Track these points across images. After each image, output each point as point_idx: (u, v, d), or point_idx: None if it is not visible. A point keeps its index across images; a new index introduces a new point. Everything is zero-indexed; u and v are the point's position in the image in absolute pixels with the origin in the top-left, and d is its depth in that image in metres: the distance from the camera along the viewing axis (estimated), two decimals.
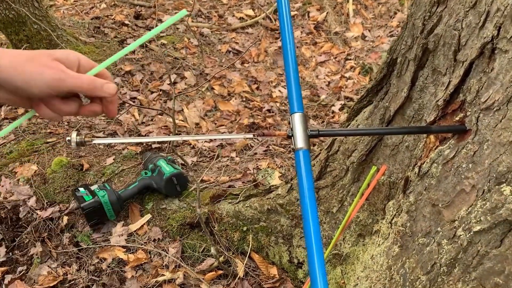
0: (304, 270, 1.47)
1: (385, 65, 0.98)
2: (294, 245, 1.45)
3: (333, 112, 2.35)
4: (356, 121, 1.13)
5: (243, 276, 1.53)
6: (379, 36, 3.23)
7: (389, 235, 1.01)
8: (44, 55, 0.55)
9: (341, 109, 2.37)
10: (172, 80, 2.52)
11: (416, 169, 0.87)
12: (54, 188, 1.84)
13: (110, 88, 0.60)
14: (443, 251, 0.74)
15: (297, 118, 0.70)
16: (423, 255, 0.80)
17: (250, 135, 0.70)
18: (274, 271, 1.53)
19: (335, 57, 2.95)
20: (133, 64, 2.61)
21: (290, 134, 0.69)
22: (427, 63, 0.85)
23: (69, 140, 0.63)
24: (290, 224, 1.42)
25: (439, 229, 0.77)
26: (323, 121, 2.29)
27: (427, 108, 0.87)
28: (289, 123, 0.71)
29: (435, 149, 0.81)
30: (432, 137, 0.83)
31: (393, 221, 0.99)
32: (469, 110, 0.71)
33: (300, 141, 0.68)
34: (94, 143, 0.61)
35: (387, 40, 3.14)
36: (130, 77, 2.53)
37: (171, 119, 2.21)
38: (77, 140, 0.63)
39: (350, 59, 2.88)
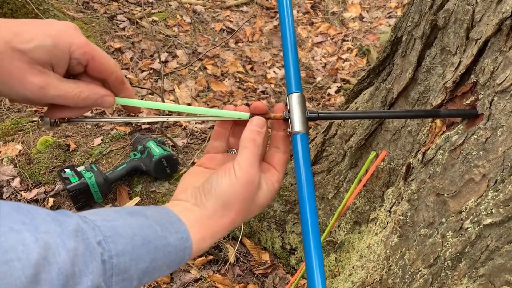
0: (296, 257, 1.43)
1: (389, 44, 0.92)
2: (287, 230, 1.41)
3: (329, 94, 2.29)
4: (356, 103, 1.07)
5: (234, 262, 1.49)
6: (377, 17, 3.14)
7: (387, 224, 0.97)
8: (13, 59, 0.42)
9: (337, 91, 2.30)
10: (164, 58, 2.44)
11: (420, 156, 0.81)
12: (40, 168, 1.77)
13: (104, 103, 0.51)
14: (447, 244, 0.69)
15: (294, 99, 0.64)
16: (425, 247, 0.76)
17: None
18: (266, 257, 1.49)
19: (332, 38, 2.87)
20: (123, 42, 2.51)
21: (287, 116, 0.63)
22: (435, 41, 0.79)
23: (41, 118, 0.56)
24: (283, 209, 1.37)
25: (443, 220, 0.72)
26: (318, 104, 2.23)
27: (434, 90, 0.81)
28: (286, 105, 0.65)
29: (441, 134, 0.76)
30: (438, 121, 0.78)
31: (392, 210, 0.94)
32: (482, 93, 0.65)
33: (297, 124, 0.62)
34: (68, 122, 0.55)
35: (385, 21, 3.06)
36: (120, 55, 2.43)
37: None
38: (51, 120, 0.56)
39: (347, 40, 2.80)
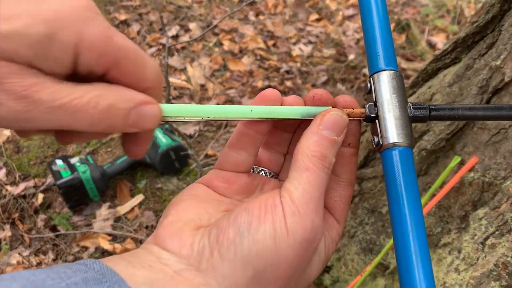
0: (332, 276, 1.17)
1: (497, 0, 0.61)
2: None
3: (364, 75, 1.98)
4: (430, 88, 0.78)
5: None
6: None
7: (478, 260, 0.68)
8: None
9: None
10: (175, 32, 2.15)
11: None
12: (29, 158, 1.53)
13: (145, 118, 0.28)
14: None
15: (386, 81, 0.35)
16: None
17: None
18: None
19: None
20: (130, 13, 2.22)
21: (373, 114, 0.35)
22: None
23: None
24: None
25: None
26: (352, 86, 1.93)
27: None
28: (369, 92, 0.36)
29: None
30: None
31: (489, 243, 0.66)
32: None
33: (394, 130, 0.34)
34: None
35: None
36: (126, 27, 2.15)
37: (171, 79, 1.86)
38: None
39: None
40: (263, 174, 0.38)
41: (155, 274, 0.26)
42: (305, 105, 0.35)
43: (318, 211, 0.29)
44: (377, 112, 0.35)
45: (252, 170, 0.38)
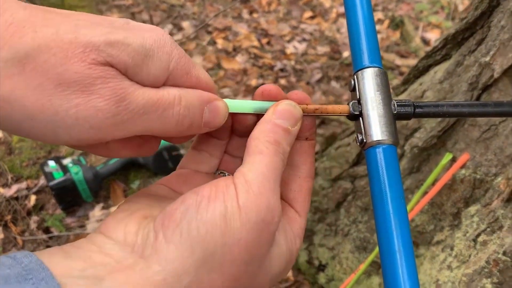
0: (327, 275, 1.16)
1: None
2: (315, 243, 1.14)
3: None
4: (421, 85, 0.77)
5: None
6: None
7: (470, 257, 0.68)
8: (83, 57, 0.25)
9: None
10: (168, 31, 2.13)
11: None
12: (21, 160, 1.52)
13: (217, 113, 0.31)
14: None
15: (370, 78, 0.35)
16: None
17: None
18: (288, 272, 1.23)
19: None
20: (122, 12, 2.21)
21: (357, 112, 0.34)
22: None
23: None
24: (311, 218, 1.09)
25: None
26: (346, 84, 1.92)
27: None
28: (353, 89, 0.36)
29: None
30: None
31: (480, 240, 0.66)
32: None
33: (378, 128, 0.33)
34: None
35: None
36: None
37: None
38: None
39: (377, 10, 2.46)
40: (222, 175, 0.38)
41: (93, 266, 0.24)
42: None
43: (275, 191, 0.27)
44: (361, 110, 0.34)
45: (215, 173, 0.38)
